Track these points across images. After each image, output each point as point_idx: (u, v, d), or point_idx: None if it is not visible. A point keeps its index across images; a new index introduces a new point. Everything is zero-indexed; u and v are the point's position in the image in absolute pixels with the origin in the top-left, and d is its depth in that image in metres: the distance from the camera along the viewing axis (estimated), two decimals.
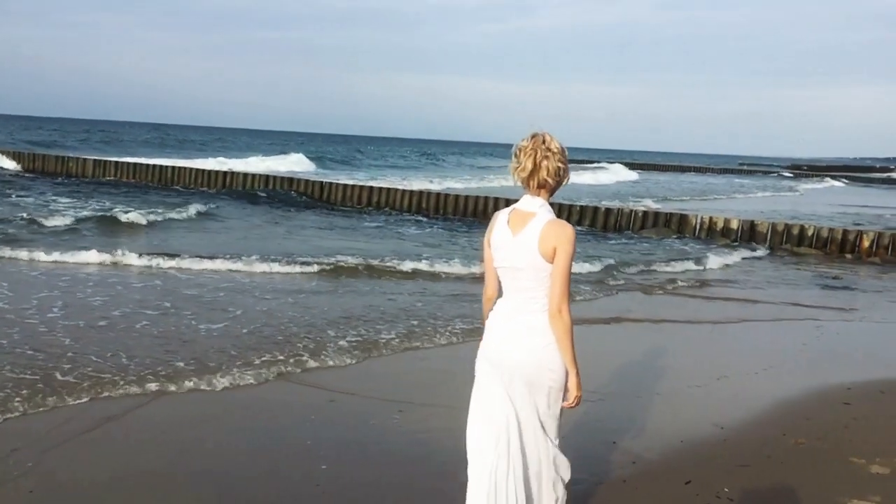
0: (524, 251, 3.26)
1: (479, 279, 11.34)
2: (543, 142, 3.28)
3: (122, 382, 6.15)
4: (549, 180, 3.28)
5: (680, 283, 12.46)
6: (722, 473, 4.90)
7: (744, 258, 16.12)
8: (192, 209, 18.64)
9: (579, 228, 20.35)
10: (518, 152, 3.31)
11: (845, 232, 18.45)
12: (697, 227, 19.74)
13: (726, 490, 4.64)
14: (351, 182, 26.38)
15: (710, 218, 19.96)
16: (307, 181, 25.74)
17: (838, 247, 17.98)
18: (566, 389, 3.36)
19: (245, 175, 27.09)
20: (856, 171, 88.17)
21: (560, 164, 3.29)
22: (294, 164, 46.72)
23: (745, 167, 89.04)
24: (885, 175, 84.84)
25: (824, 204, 36.32)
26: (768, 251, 17.55)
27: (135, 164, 28.97)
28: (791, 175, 77.12)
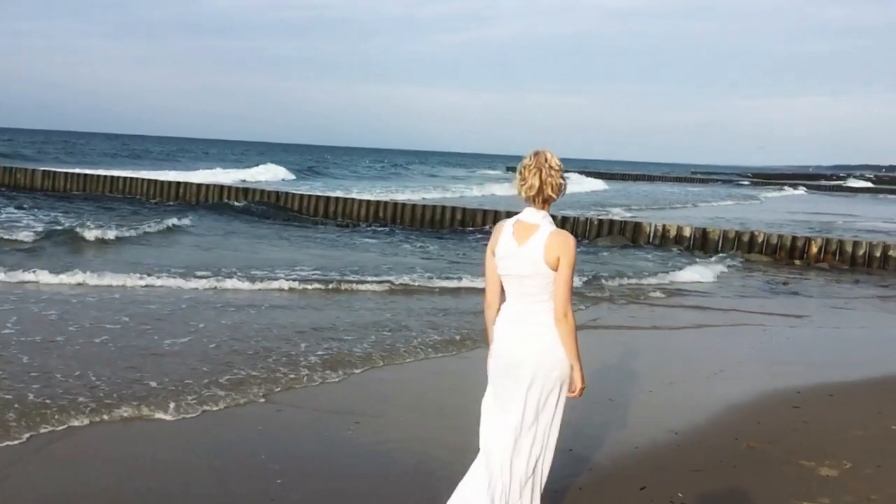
0: (530, 260, 3.55)
1: (444, 292, 11.44)
2: (546, 160, 3.59)
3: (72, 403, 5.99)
4: (553, 195, 3.61)
5: (652, 294, 12.53)
6: (676, 478, 4.95)
7: (721, 272, 15.67)
8: (167, 223, 17.92)
9: None
10: (523, 170, 3.61)
11: (794, 239, 18.87)
12: (651, 234, 20.01)
13: (680, 495, 4.69)
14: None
15: (664, 226, 20.26)
16: (290, 194, 24.87)
17: (787, 253, 18.39)
18: (571, 381, 3.68)
19: (222, 187, 26.09)
20: (810, 180, 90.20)
21: (561, 180, 3.62)
22: (271, 174, 46.26)
23: (698, 175, 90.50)
24: (834, 182, 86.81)
25: (789, 211, 37.13)
26: (741, 262, 17.30)
27: (112, 177, 27.66)
28: (748, 183, 78.77)
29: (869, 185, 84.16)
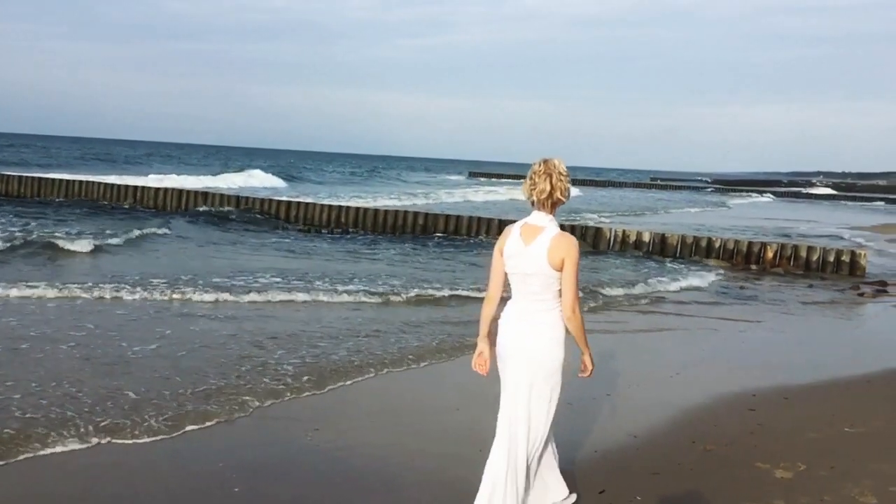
0: (534, 260, 3.81)
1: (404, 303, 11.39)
2: (555, 166, 3.87)
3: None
4: (562, 199, 3.91)
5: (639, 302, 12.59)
6: (635, 482, 4.98)
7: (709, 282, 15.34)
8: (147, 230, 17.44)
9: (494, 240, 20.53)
10: (533, 176, 3.88)
11: (750, 244, 19.18)
12: (612, 240, 20.19)
13: (639, 498, 4.72)
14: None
15: (624, 231, 20.46)
16: (274, 201, 24.52)
17: (744, 258, 18.68)
18: (583, 364, 4.04)
19: (210, 195, 25.27)
20: (774, 186, 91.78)
21: (568, 185, 3.92)
22: (257, 180, 45.93)
23: (658, 181, 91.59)
24: (795, 189, 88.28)
25: (758, 217, 37.73)
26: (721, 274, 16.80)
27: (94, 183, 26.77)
28: (711, 189, 79.95)
29: (831, 191, 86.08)
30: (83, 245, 14.44)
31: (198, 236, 18.26)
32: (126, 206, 24.49)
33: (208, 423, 5.84)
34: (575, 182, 67.55)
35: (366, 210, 23.07)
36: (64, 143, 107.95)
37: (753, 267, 18.12)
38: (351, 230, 21.67)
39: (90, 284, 10.69)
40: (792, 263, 18.21)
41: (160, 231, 17.94)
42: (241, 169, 53.34)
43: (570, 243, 3.82)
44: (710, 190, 78.59)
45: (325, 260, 15.48)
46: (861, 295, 14.35)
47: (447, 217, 22.46)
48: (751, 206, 51.71)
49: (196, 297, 10.50)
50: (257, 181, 45.93)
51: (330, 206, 23.55)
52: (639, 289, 13.54)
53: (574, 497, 4.41)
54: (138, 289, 10.61)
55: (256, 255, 15.61)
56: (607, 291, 12.90)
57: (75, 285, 10.57)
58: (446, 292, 11.90)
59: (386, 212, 22.80)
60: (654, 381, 7.64)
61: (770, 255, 18.54)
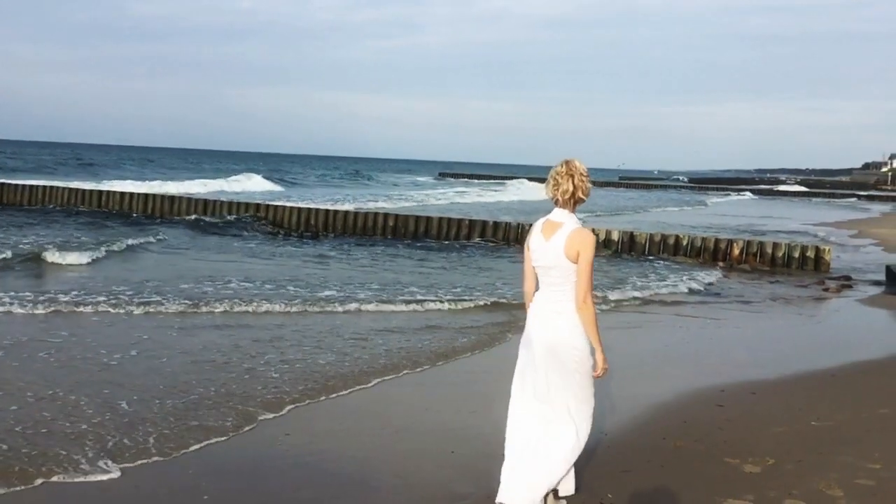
0: (553, 253, 4.10)
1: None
2: (576, 167, 4.13)
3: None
4: (584, 197, 4.16)
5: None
6: (606, 480, 5.00)
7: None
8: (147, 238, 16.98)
9: (476, 240, 20.59)
10: (556, 176, 4.14)
11: (717, 241, 19.41)
12: None
13: (610, 496, 4.74)
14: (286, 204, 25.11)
15: (592, 229, 20.54)
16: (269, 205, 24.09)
17: (711, 255, 18.90)
18: (594, 362, 4.17)
19: (217, 202, 24.80)
20: (744, 184, 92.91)
21: (589, 185, 4.18)
22: (255, 185, 45.71)
23: (625, 181, 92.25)
24: (767, 187, 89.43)
25: (737, 215, 38.14)
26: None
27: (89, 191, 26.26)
28: (685, 188, 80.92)
29: (803, 189, 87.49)
30: (76, 258, 13.76)
31: (182, 244, 18.04)
32: (135, 214, 24.02)
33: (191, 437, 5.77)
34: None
35: (348, 212, 22.99)
36: (33, 147, 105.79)
37: (721, 264, 18.32)
38: (322, 233, 21.57)
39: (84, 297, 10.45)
40: (758, 260, 18.46)
41: (156, 238, 17.62)
42: (229, 174, 53.22)
43: (586, 238, 4.10)
44: (683, 189, 79.39)
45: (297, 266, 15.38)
46: (826, 290, 14.59)
47: (418, 218, 22.43)
48: (728, 204, 52.30)
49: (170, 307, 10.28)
50: (255, 186, 45.73)
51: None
52: (609, 288, 13.61)
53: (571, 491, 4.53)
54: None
55: (267, 262, 15.46)
56: None
57: (63, 296, 10.34)
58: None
59: (378, 214, 22.78)
60: (623, 378, 7.66)
61: (736, 251, 18.78)
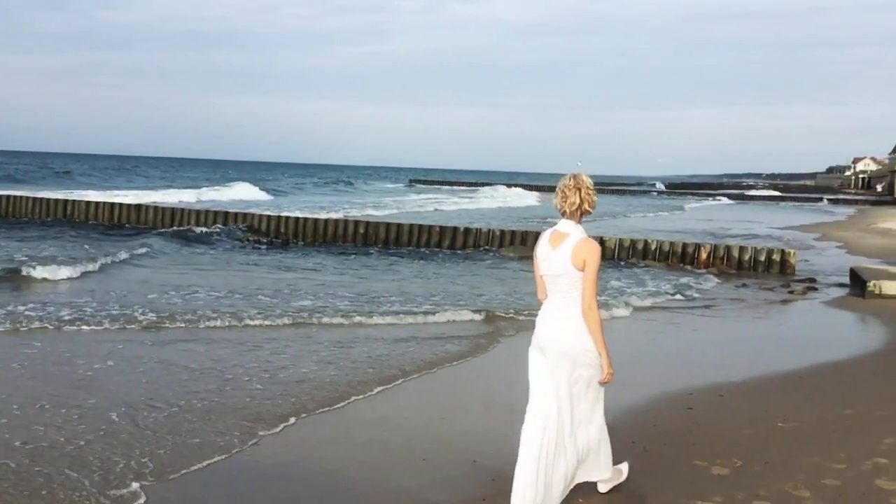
0: (560, 262, 4.32)
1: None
2: (583, 181, 4.40)
3: None
4: (590, 209, 4.43)
5: None
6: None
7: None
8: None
9: (436, 249, 20.61)
10: (564, 189, 4.40)
11: (685, 245, 19.62)
12: None
13: (581, 500, 4.77)
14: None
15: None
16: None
17: (679, 259, 19.11)
18: (600, 367, 4.38)
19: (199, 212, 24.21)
20: (717, 189, 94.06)
21: (595, 197, 4.46)
22: (242, 194, 45.28)
23: (605, 186, 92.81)
24: (737, 191, 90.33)
25: (704, 219, 38.48)
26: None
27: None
28: (657, 194, 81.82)
29: (776, 192, 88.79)
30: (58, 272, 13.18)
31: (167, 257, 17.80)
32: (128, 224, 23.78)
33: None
34: (530, 188, 66.35)
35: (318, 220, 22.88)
36: (5, 157, 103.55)
37: (688, 267, 18.53)
38: (292, 241, 21.45)
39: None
40: (725, 263, 18.69)
41: (140, 251, 17.16)
42: (206, 183, 52.95)
43: (591, 247, 4.31)
44: (655, 194, 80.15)
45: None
46: (791, 293, 14.80)
47: (389, 225, 22.40)
48: (705, 209, 52.81)
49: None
50: (245, 195, 45.34)
51: (279, 217, 23.22)
52: None
53: (626, 466, 4.92)
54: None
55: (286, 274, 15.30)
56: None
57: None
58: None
59: (355, 222, 22.69)
60: None
61: (704, 255, 19.00)
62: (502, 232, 21.55)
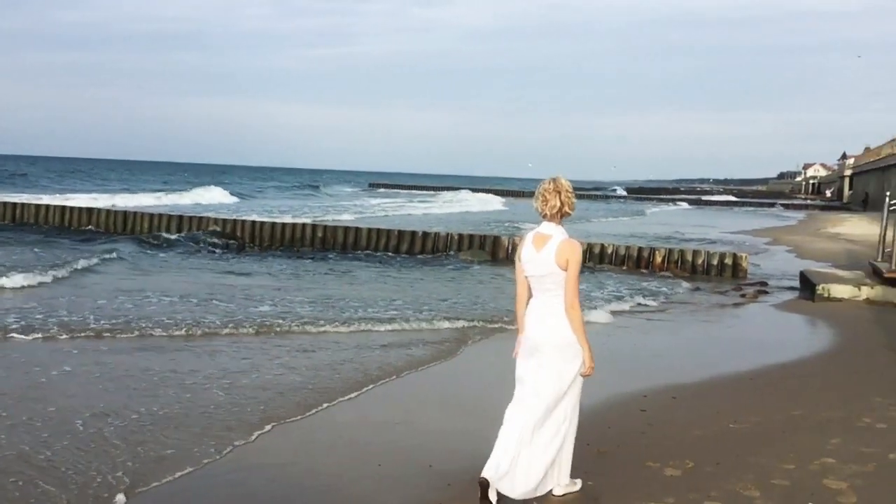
0: (545, 263, 4.53)
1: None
2: (562, 185, 4.58)
3: None
4: (570, 212, 4.61)
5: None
6: None
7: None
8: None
9: (403, 255, 20.57)
10: (545, 193, 4.57)
11: (640, 249, 19.90)
12: (509, 248, 20.48)
13: (535, 502, 4.78)
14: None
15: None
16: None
17: (635, 263, 19.36)
18: (582, 361, 4.64)
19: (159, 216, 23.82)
20: (671, 194, 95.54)
21: (574, 200, 4.64)
22: (216, 197, 44.93)
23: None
24: (695, 196, 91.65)
25: (671, 224, 38.95)
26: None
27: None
28: (625, 197, 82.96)
29: (733, 198, 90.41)
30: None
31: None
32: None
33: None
34: (494, 192, 66.54)
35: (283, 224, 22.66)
36: None
37: (644, 271, 18.78)
38: (248, 245, 21.22)
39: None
40: (679, 267, 18.98)
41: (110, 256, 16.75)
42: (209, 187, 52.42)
43: (574, 248, 4.53)
44: (620, 199, 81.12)
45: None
46: (743, 296, 15.07)
47: (347, 230, 22.29)
48: (665, 214, 53.54)
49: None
50: (213, 198, 44.80)
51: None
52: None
53: (578, 484, 4.96)
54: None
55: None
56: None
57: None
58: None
59: (315, 226, 22.46)
60: None
61: (658, 259, 19.29)
62: (460, 236, 21.55)
